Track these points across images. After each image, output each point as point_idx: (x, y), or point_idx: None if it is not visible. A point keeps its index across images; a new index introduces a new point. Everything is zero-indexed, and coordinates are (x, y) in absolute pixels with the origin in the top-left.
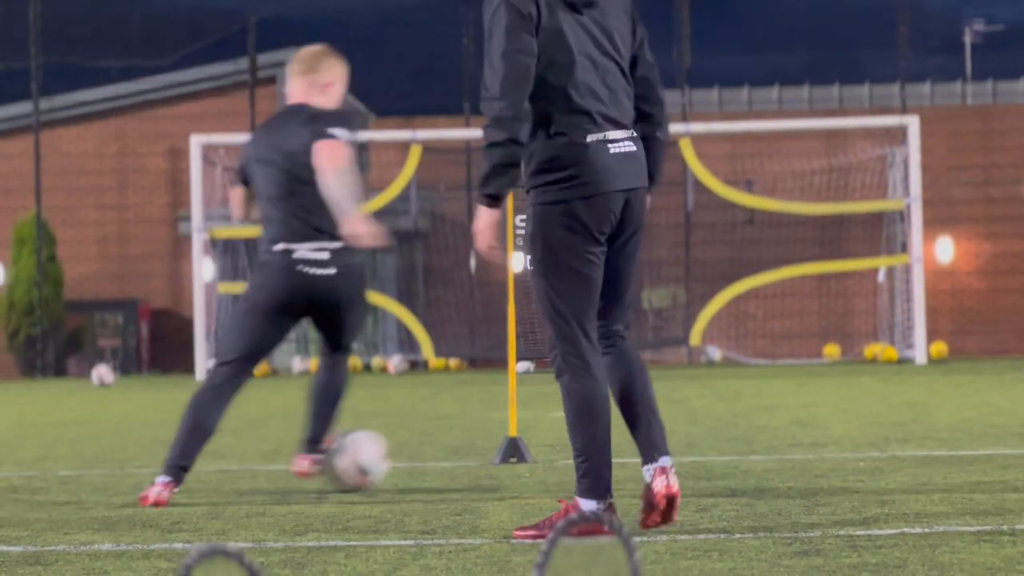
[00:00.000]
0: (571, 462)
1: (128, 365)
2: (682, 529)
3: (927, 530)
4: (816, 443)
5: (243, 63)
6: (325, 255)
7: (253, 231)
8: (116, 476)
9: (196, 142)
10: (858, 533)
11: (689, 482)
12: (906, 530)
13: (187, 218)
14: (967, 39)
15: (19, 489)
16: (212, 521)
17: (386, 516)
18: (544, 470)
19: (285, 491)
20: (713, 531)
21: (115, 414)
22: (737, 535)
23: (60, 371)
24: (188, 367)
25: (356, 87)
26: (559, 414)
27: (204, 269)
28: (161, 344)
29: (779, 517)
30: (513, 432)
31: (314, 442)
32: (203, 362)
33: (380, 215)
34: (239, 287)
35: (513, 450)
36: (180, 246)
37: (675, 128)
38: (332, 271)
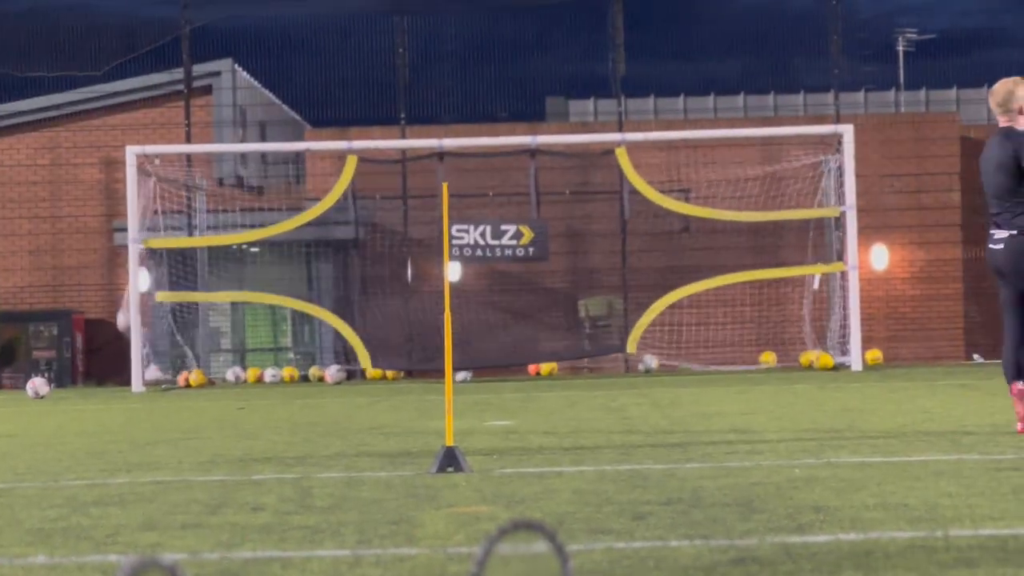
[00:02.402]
0: (506, 471)
1: (63, 377)
2: (618, 537)
3: (861, 537)
4: (752, 450)
5: (178, 73)
6: None
7: (187, 242)
8: (50, 489)
9: (131, 152)
10: (793, 540)
11: (625, 491)
12: (841, 537)
13: (122, 229)
14: (900, 48)
15: None
16: (147, 533)
17: (322, 526)
18: (480, 479)
19: (221, 502)
20: (649, 538)
21: (49, 426)
22: (673, 542)
23: None
24: (124, 378)
25: (291, 97)
26: (496, 423)
27: (140, 279)
28: (96, 355)
29: (715, 525)
30: (450, 441)
31: None
32: (139, 373)
33: (316, 225)
34: (176, 296)
35: (450, 459)
36: (115, 257)
37: (610, 137)
38: None
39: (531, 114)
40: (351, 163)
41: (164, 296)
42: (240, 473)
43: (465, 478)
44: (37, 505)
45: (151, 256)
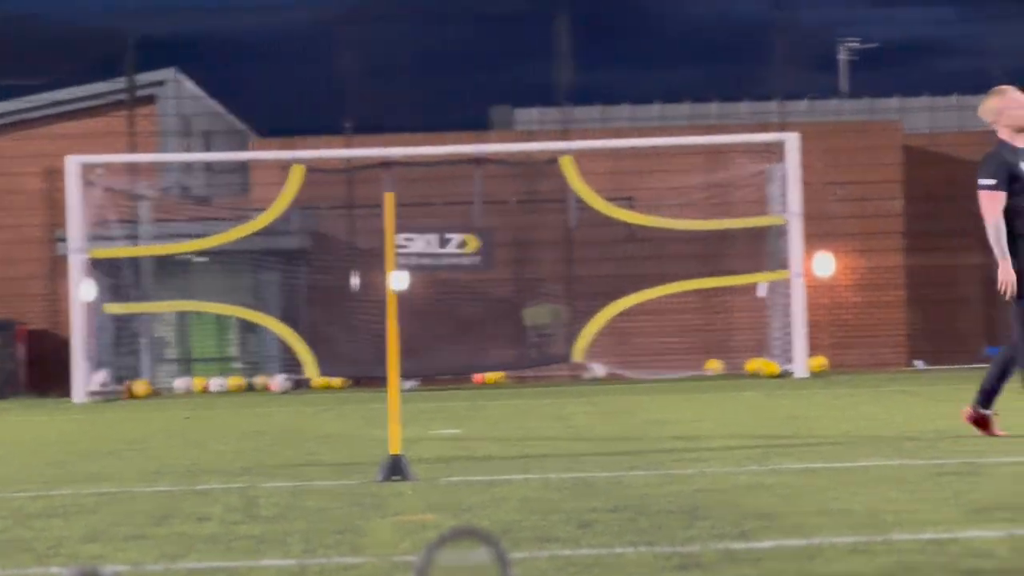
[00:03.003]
0: (452, 479)
1: (5, 388)
2: (563, 545)
3: (804, 542)
4: (698, 458)
5: (122, 82)
6: None
7: (133, 251)
8: None
9: (73, 162)
10: (737, 546)
11: (571, 499)
12: (784, 542)
13: (65, 239)
14: (842, 57)
15: None
16: (90, 545)
17: (268, 536)
18: (427, 487)
19: (166, 513)
20: (594, 546)
21: None
22: (618, 549)
23: None
24: (66, 389)
25: (237, 107)
26: (442, 431)
27: (85, 290)
28: (39, 366)
29: (660, 532)
30: (396, 450)
31: None
32: (81, 383)
33: (262, 234)
34: (122, 307)
35: (396, 468)
36: (58, 267)
37: (556, 145)
38: None
39: (476, 123)
40: (297, 173)
41: (110, 307)
42: (186, 483)
43: (411, 486)
44: None
45: (95, 266)
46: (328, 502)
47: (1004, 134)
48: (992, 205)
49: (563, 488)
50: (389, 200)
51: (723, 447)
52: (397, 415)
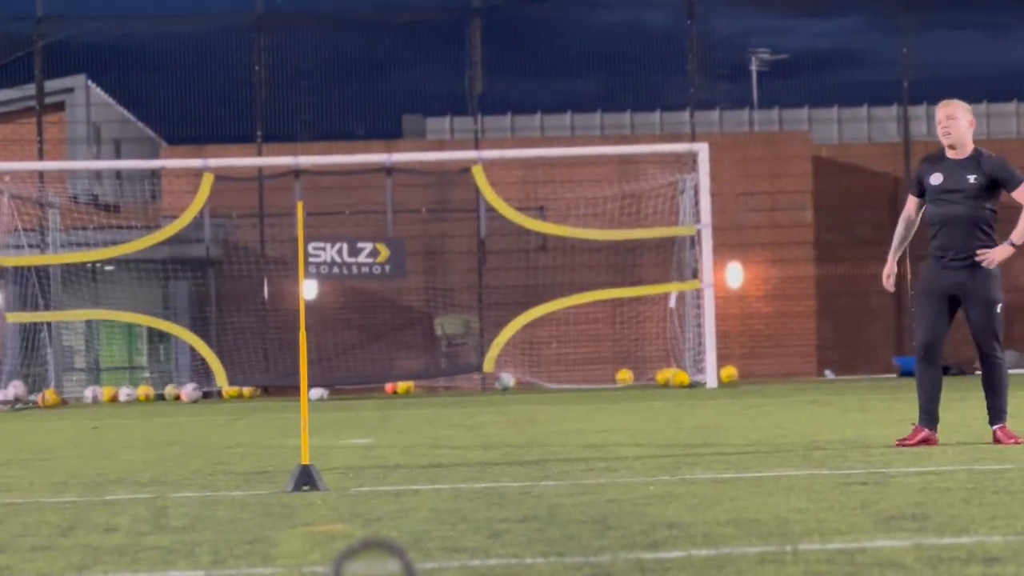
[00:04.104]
0: (363, 489)
1: None
2: (473, 555)
3: (713, 552)
4: (608, 468)
5: (30, 89)
6: None
7: (41, 260)
8: None
9: None
10: (647, 556)
11: (481, 509)
12: (693, 552)
13: None
14: (754, 68)
15: None
16: None
17: (176, 547)
18: (337, 497)
19: (72, 524)
20: (504, 556)
21: None
22: (528, 560)
23: None
24: None
25: (147, 114)
26: (353, 441)
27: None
28: None
29: (570, 542)
30: (306, 460)
31: None
32: None
33: (172, 243)
34: (28, 316)
35: (306, 478)
36: None
37: (467, 155)
38: None
39: (388, 132)
40: (207, 181)
41: (14, 317)
42: (93, 494)
43: (321, 496)
44: None
45: (2, 274)
46: (238, 512)
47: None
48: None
49: (473, 498)
50: (300, 209)
51: (633, 457)
52: (307, 425)
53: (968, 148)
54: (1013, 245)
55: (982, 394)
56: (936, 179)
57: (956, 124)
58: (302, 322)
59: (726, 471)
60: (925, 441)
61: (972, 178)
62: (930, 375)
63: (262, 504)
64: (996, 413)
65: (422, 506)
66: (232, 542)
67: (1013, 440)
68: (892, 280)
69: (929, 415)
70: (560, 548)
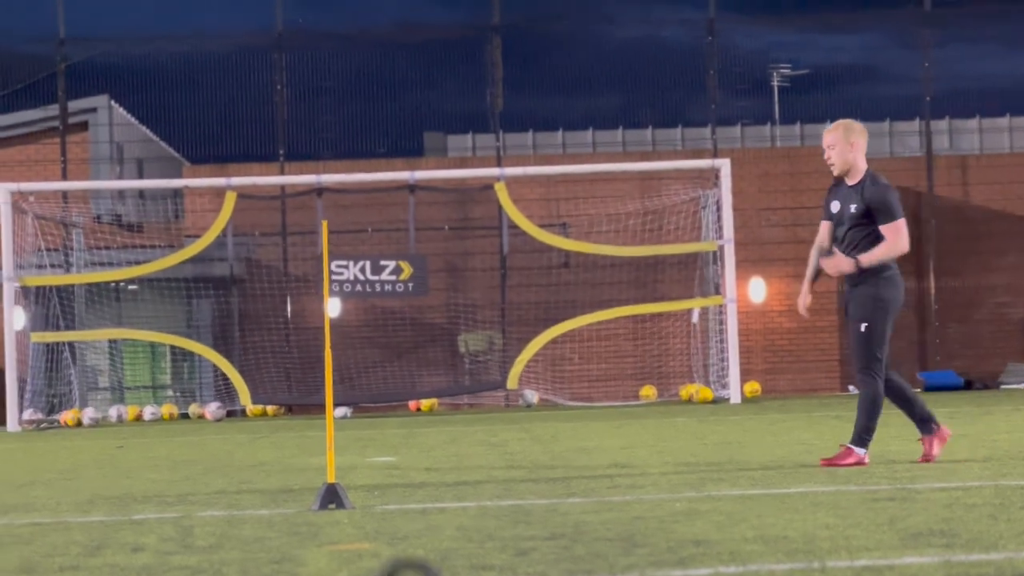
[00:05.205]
0: (389, 507)
1: None
2: (500, 573)
3: (741, 569)
4: (633, 485)
5: (53, 109)
6: None
7: (65, 279)
8: None
9: (4, 189)
10: (674, 574)
11: (508, 526)
12: (720, 569)
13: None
14: (775, 83)
15: None
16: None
17: (203, 566)
18: (363, 516)
19: (100, 543)
20: (531, 574)
21: None
22: None
23: None
24: (1, 418)
25: (169, 134)
26: (377, 459)
27: (15, 318)
28: None
29: (597, 559)
30: (331, 478)
31: None
32: (14, 412)
33: (195, 261)
34: (52, 336)
35: (332, 496)
36: None
37: (489, 171)
38: None
39: (409, 149)
40: (230, 199)
41: (39, 336)
42: (120, 513)
43: (347, 515)
44: None
45: (27, 294)
46: (264, 531)
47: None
48: None
49: (499, 516)
50: (325, 228)
51: (658, 473)
52: (332, 443)
53: (858, 173)
54: (858, 264)
55: (1007, 408)
56: (835, 206)
57: (835, 152)
58: (327, 340)
59: (752, 487)
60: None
61: (853, 207)
62: (889, 391)
63: (288, 523)
64: (855, 432)
65: (448, 524)
66: (259, 561)
67: (845, 463)
68: (803, 305)
69: (920, 424)
70: (587, 566)
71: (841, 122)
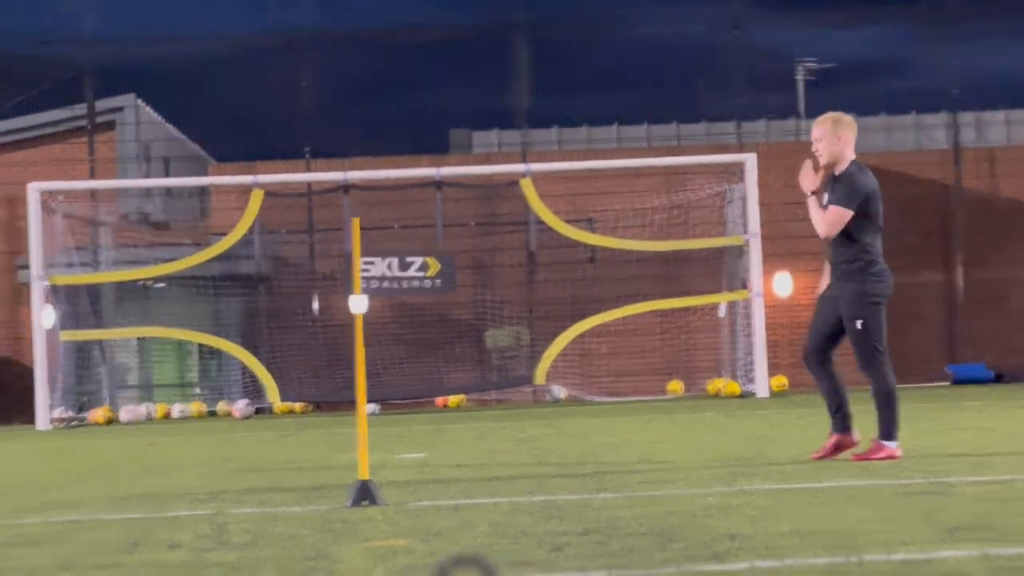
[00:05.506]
0: (421, 504)
1: None
2: (539, 569)
3: (778, 564)
4: (664, 479)
5: (80, 109)
6: None
7: (93, 278)
8: None
9: (33, 189)
10: (711, 568)
11: (541, 522)
12: (757, 564)
13: (26, 266)
14: (800, 77)
15: None
16: (64, 574)
17: (241, 563)
18: (396, 512)
19: (136, 540)
20: (568, 569)
21: None
22: (592, 573)
23: None
24: (29, 416)
25: (195, 132)
26: (407, 455)
27: (45, 317)
28: (2, 392)
29: (632, 555)
30: (364, 475)
31: None
32: (44, 411)
33: (222, 259)
34: (81, 334)
35: (365, 493)
36: (19, 294)
37: (515, 167)
38: None
39: (435, 146)
40: (257, 197)
41: (68, 335)
42: (154, 510)
43: (380, 511)
44: None
45: (55, 293)
46: (298, 528)
47: None
48: None
49: (532, 511)
50: (356, 225)
51: (688, 468)
52: (365, 439)
53: (843, 164)
54: (811, 196)
55: None
56: (825, 197)
57: (822, 145)
58: (359, 337)
59: (784, 482)
60: (837, 448)
61: (834, 196)
62: (820, 381)
63: (322, 519)
64: (881, 427)
65: (481, 520)
66: (294, 558)
67: (877, 457)
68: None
69: (834, 419)
70: (623, 561)
71: (829, 115)
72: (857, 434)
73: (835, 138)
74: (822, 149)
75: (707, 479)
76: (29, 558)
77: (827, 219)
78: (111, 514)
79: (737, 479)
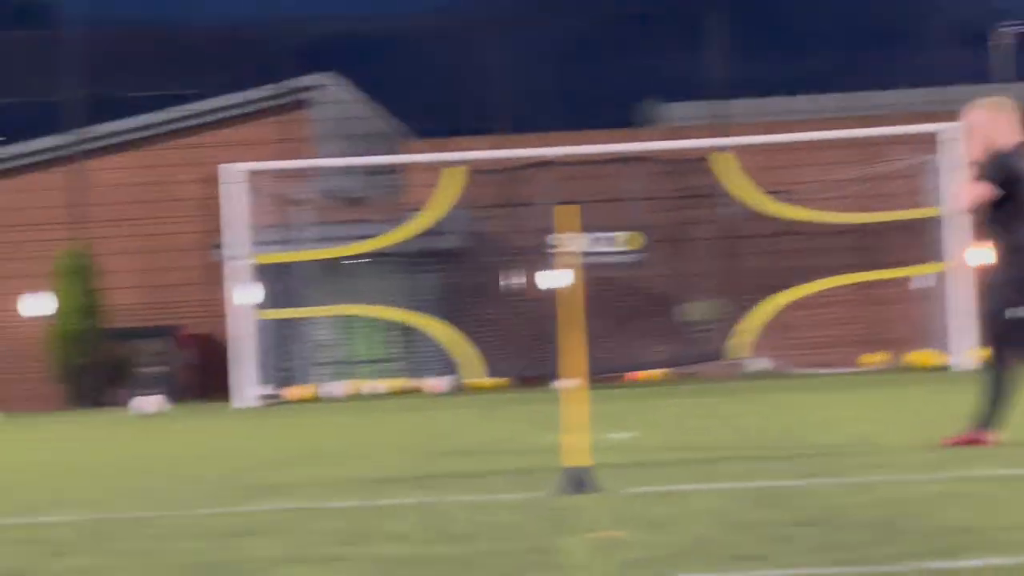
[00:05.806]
0: (634, 490)
1: (170, 392)
2: (769, 563)
3: (1015, 561)
4: (879, 463)
5: (276, 88)
6: None
7: (294, 256)
8: (185, 519)
9: (231, 169)
10: (943, 565)
11: (757, 510)
12: (991, 561)
13: (221, 245)
14: (997, 41)
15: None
16: (297, 566)
17: (469, 557)
18: (610, 499)
19: (360, 531)
20: (798, 564)
21: (169, 447)
22: (822, 569)
23: (102, 401)
24: (225, 394)
25: (392, 109)
26: (612, 435)
27: (251, 294)
28: (201, 370)
29: (862, 548)
30: (581, 461)
31: None
32: (245, 388)
33: (420, 235)
34: (284, 313)
35: (579, 479)
36: (214, 273)
37: (711, 141)
38: None
39: (628, 119)
40: (454, 174)
41: (267, 313)
42: (369, 498)
43: (595, 499)
44: (179, 537)
45: (258, 271)
46: (517, 517)
47: None
48: None
49: (745, 498)
50: (570, 208)
51: (900, 449)
52: (587, 423)
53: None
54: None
55: None
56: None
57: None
58: (579, 311)
59: (1011, 467)
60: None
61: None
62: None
63: (539, 508)
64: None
65: (698, 508)
66: (519, 551)
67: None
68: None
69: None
70: (852, 555)
71: (980, 102)
72: None
73: (987, 120)
74: (978, 137)
75: (922, 463)
76: (259, 549)
77: (970, 195)
78: (327, 502)
79: (956, 464)
